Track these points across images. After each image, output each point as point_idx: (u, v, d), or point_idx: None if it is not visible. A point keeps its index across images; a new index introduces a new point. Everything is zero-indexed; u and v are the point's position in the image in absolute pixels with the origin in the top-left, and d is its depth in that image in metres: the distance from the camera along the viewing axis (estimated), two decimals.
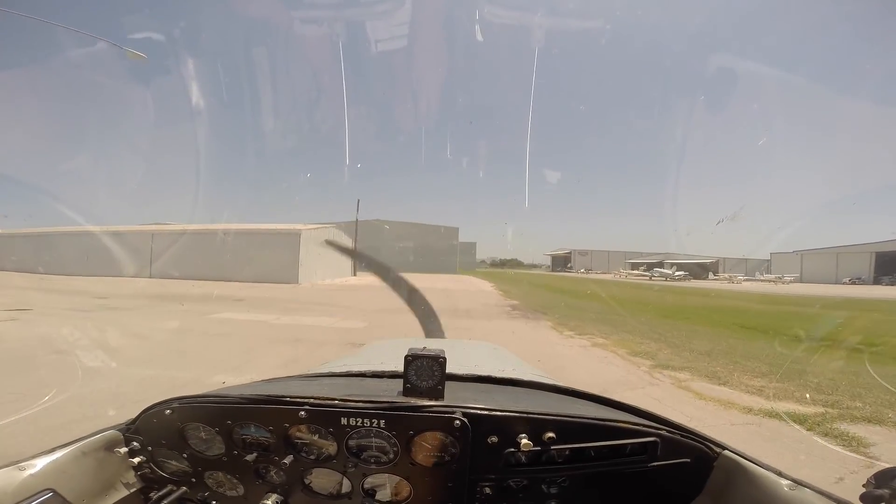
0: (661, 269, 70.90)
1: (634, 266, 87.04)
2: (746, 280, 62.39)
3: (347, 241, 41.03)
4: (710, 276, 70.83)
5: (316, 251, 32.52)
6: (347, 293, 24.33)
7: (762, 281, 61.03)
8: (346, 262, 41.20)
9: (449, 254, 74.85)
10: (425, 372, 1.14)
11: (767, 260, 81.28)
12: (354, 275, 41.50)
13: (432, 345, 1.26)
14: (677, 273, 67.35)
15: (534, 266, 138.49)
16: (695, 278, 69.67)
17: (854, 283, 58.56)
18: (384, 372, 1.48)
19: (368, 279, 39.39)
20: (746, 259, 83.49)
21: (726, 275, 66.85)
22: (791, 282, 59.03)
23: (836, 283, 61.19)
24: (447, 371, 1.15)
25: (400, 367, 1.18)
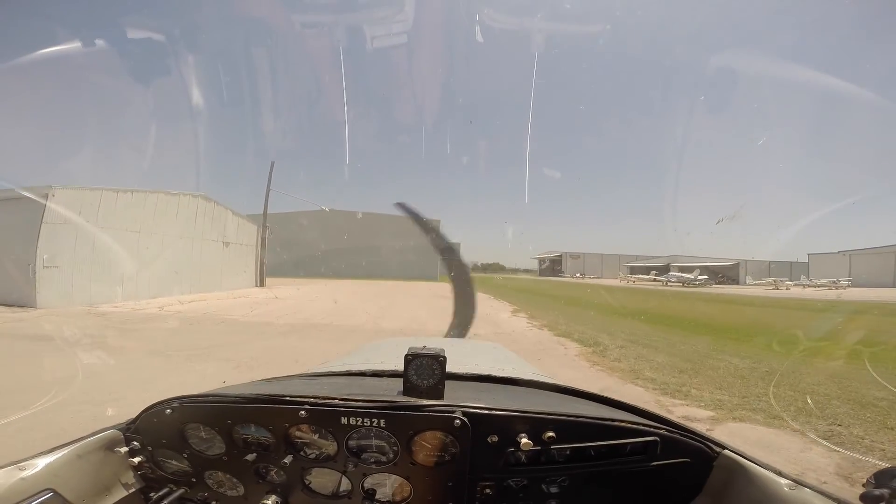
0: (680, 274, 59.05)
1: (634, 270, 75.08)
2: (795, 286, 50.28)
3: (249, 231, 25.56)
4: (748, 280, 58.45)
5: (130, 237, 16.94)
6: None
7: (813, 287, 49.13)
8: (243, 263, 25.12)
9: (428, 255, 59.72)
10: (425, 371, 1.12)
11: (793, 262, 70.09)
12: (260, 285, 25.63)
13: (432, 343, 1.24)
14: (700, 277, 56.47)
15: (516, 270, 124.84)
16: (718, 283, 59.49)
17: None
18: (384, 371, 1.47)
19: (276, 291, 23.94)
20: (770, 262, 72.04)
21: (770, 279, 54.43)
22: (848, 286, 47.60)
23: (895, 286, 49.96)
24: (447, 370, 1.13)
25: (400, 366, 1.16)
